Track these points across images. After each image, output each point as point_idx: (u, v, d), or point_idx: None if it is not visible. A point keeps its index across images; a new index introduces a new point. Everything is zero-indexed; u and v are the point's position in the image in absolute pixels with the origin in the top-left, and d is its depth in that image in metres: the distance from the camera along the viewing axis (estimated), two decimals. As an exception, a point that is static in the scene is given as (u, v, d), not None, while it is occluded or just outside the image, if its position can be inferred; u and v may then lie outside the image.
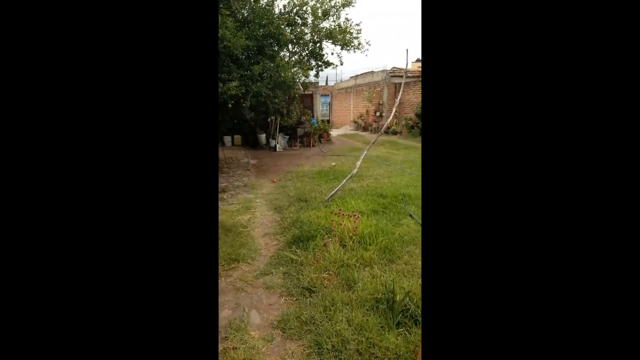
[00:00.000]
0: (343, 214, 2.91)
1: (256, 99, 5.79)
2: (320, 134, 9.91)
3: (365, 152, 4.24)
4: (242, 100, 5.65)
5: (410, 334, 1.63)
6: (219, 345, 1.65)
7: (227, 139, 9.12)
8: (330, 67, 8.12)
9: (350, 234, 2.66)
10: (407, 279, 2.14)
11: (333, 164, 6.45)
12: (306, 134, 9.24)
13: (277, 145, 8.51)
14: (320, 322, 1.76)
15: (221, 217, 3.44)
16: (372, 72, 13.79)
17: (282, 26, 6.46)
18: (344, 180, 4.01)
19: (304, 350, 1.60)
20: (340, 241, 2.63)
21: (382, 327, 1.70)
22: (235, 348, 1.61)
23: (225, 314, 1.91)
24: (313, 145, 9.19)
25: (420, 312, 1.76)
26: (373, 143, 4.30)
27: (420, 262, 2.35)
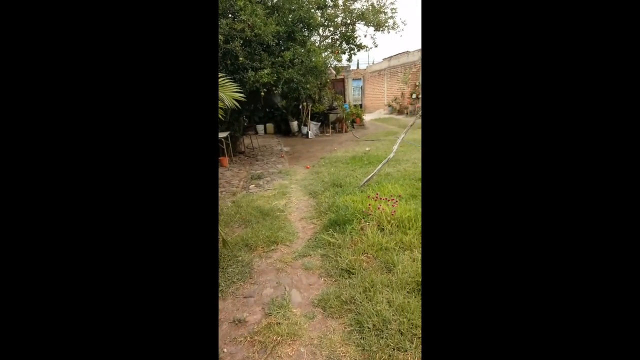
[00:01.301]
0: (380, 198, 2.86)
1: (288, 86, 5.80)
2: (353, 119, 9.74)
3: (402, 136, 4.09)
4: (274, 88, 5.71)
5: (455, 318, 1.58)
6: (264, 320, 1.73)
7: (260, 128, 9.33)
8: (364, 49, 7.87)
9: (389, 218, 2.61)
10: (449, 263, 2.06)
11: (367, 149, 6.33)
12: (338, 119, 9.14)
13: (309, 132, 8.53)
14: (361, 302, 1.77)
15: (258, 202, 3.56)
16: (407, 52, 13.13)
17: (312, 10, 6.34)
18: (380, 165, 3.92)
19: (345, 328, 1.62)
20: (378, 225, 2.59)
21: (424, 310, 1.66)
22: (279, 323, 1.67)
23: (267, 292, 1.99)
24: (346, 131, 9.08)
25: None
26: (411, 126, 4.13)
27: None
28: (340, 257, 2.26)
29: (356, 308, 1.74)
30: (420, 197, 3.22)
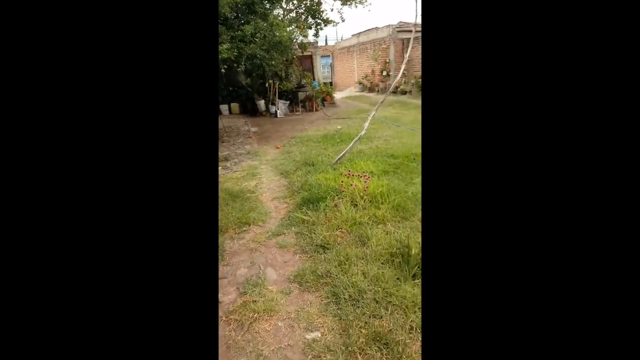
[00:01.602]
0: (353, 175, 2.87)
1: (251, 62, 5.48)
2: (323, 97, 9.59)
3: (373, 113, 4.08)
4: (235, 65, 5.35)
5: (426, 282, 1.65)
6: (239, 299, 1.69)
7: (224, 108, 8.87)
8: (331, 24, 7.63)
9: (361, 194, 2.63)
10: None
11: (339, 127, 6.30)
12: (308, 97, 8.94)
13: (278, 111, 8.28)
14: (336, 275, 1.78)
15: (227, 184, 3.42)
16: (376, 29, 12.96)
17: (275, -21, 5.95)
18: (352, 143, 3.91)
19: (322, 300, 1.64)
20: (352, 201, 2.61)
21: (397, 278, 1.72)
22: (255, 301, 1.65)
23: (241, 272, 1.95)
24: (316, 109, 8.93)
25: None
26: (381, 103, 4.12)
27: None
28: (314, 233, 2.25)
29: (332, 281, 1.75)
30: (392, 173, 3.28)
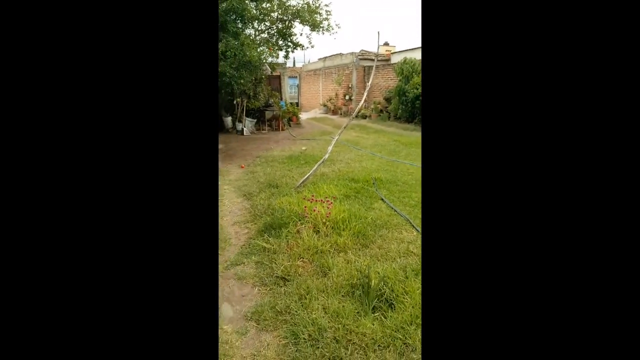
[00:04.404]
0: (315, 200, 2.86)
1: (220, 80, 5.40)
2: (290, 117, 9.66)
3: (337, 137, 4.18)
4: (204, 80, 5.23)
5: (385, 317, 1.64)
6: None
7: (189, 122, 8.52)
8: (301, 48, 7.85)
9: (324, 220, 2.62)
10: (381, 263, 2.16)
11: (304, 148, 6.33)
12: (274, 117, 8.94)
13: (244, 129, 8.15)
14: (296, 311, 1.71)
15: (185, 206, 3.22)
16: (340, 55, 13.58)
17: (246, 0, 6.03)
18: (316, 165, 3.93)
19: (280, 341, 1.55)
20: (314, 227, 2.58)
21: (358, 312, 1.69)
22: (206, 345, 1.52)
23: (193, 309, 1.79)
24: (282, 129, 8.94)
25: (395, 295, 1.78)
26: (345, 127, 4.24)
27: (392, 246, 2.38)
28: (275, 263, 2.17)
29: (291, 318, 1.67)
30: (353, 198, 3.33)
